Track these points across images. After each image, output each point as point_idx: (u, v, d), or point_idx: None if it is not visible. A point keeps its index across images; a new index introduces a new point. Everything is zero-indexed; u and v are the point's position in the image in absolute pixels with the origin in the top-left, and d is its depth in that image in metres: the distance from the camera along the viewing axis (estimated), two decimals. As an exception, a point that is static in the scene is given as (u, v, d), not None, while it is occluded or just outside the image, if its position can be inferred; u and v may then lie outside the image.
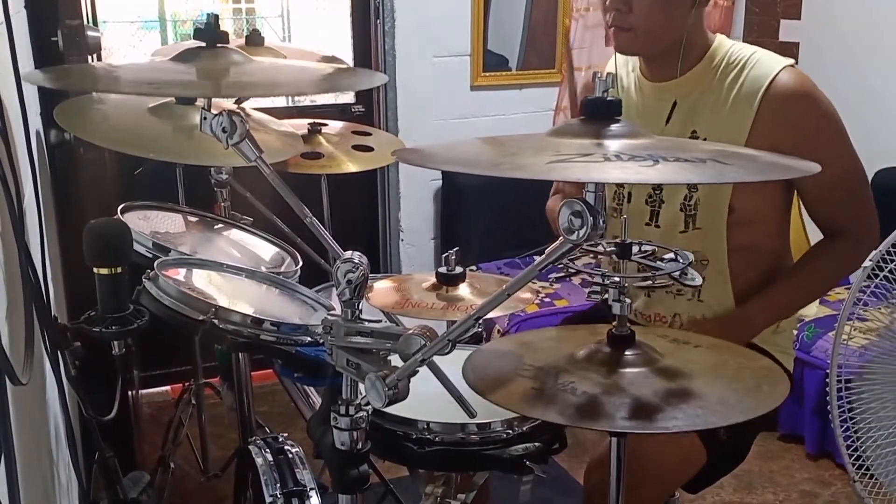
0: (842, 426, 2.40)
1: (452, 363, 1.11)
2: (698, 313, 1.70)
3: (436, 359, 1.00)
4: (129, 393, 2.26)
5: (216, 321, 1.39)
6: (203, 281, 1.61)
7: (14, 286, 1.19)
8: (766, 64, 1.58)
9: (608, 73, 1.07)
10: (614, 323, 1.19)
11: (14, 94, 1.24)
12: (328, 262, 2.11)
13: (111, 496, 1.48)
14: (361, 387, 1.04)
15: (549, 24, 3.84)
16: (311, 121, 2.23)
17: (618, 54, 1.74)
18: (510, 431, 1.34)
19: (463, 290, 1.50)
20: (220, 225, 2.05)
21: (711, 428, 1.41)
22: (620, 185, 1.73)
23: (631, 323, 1.21)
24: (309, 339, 1.42)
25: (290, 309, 1.61)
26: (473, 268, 3.42)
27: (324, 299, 1.64)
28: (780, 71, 1.56)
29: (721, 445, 1.59)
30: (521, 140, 1.08)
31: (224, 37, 1.33)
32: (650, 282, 1.20)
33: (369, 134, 2.33)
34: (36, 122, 1.97)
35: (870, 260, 2.28)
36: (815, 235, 1.72)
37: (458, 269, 1.51)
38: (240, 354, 2.00)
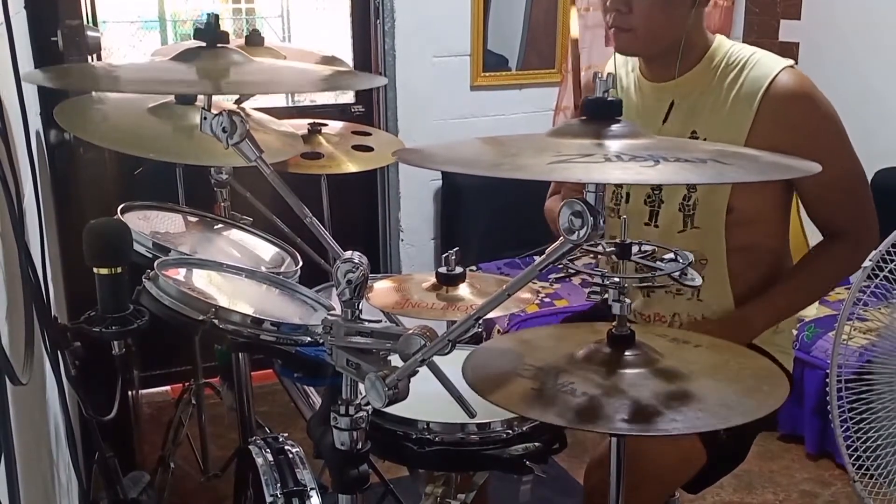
0: (842, 426, 2.40)
1: (452, 363, 1.11)
2: (698, 313, 1.70)
3: (435, 359, 1.00)
4: (129, 393, 2.26)
5: (216, 321, 1.39)
6: (203, 281, 1.61)
7: (14, 286, 1.19)
8: (766, 64, 1.58)
9: (608, 73, 1.07)
10: (614, 323, 1.19)
11: (14, 94, 1.24)
12: (328, 262, 2.11)
13: (111, 496, 1.48)
14: (361, 387, 1.04)
15: (549, 24, 3.84)
16: (311, 121, 2.23)
17: (617, 54, 1.74)
18: (510, 431, 1.34)
19: (463, 290, 1.49)
20: (220, 225, 2.05)
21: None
22: (619, 185, 1.73)
23: (630, 322, 1.21)
24: (309, 339, 1.41)
25: (290, 309, 1.61)
26: (473, 268, 3.42)
27: (324, 299, 1.64)
28: (780, 71, 1.56)
29: (721, 446, 1.59)
30: (522, 140, 1.08)
31: (224, 37, 1.32)
32: (650, 282, 1.20)
33: (369, 134, 2.33)
34: (36, 122, 1.97)
35: (870, 260, 2.28)
36: (814, 237, 1.71)
37: (458, 270, 1.50)
38: (240, 354, 2.00)
